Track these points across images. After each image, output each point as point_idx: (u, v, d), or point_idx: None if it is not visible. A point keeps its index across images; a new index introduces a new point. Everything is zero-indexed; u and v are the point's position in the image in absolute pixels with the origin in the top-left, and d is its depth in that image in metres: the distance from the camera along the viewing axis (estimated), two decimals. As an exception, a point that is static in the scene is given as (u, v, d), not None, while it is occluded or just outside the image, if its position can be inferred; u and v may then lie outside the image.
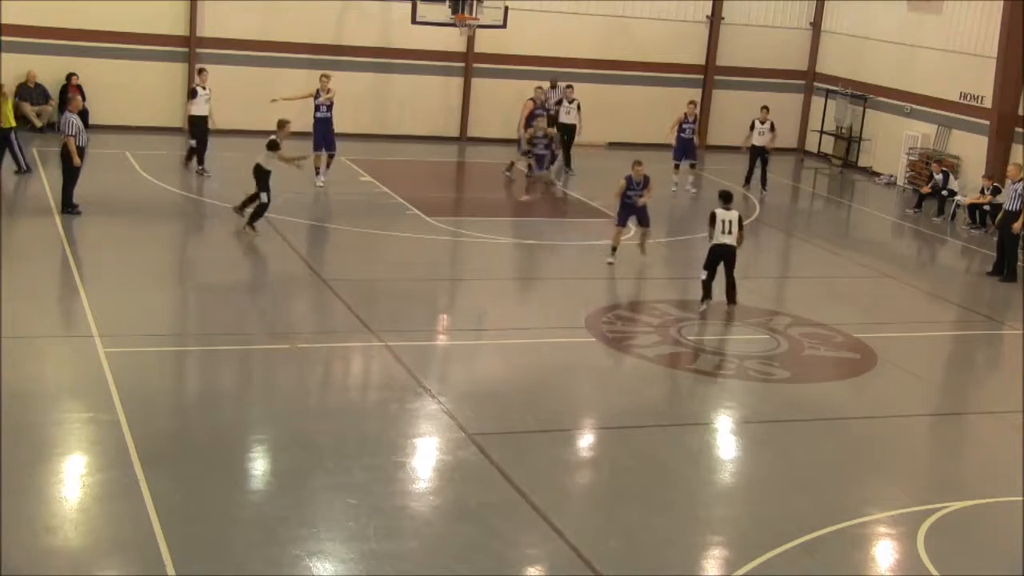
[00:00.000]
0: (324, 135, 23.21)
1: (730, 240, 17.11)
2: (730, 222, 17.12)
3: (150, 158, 24.26)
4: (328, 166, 23.20)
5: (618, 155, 27.45)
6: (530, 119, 25.47)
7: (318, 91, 23.30)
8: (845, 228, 25.63)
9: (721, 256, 17.16)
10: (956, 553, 10.56)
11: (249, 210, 19.39)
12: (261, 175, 19.27)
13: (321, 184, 23.06)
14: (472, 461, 11.60)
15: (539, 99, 25.93)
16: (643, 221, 19.63)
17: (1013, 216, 20.82)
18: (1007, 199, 21.36)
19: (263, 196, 19.07)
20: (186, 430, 11.97)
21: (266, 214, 19.45)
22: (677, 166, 26.10)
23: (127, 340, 14.08)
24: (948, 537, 10.80)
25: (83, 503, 10.21)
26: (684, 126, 25.92)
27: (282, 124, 19.76)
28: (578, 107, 26.60)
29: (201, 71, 24.15)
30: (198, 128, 23.57)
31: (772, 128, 26.36)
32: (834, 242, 22.99)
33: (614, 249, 19.35)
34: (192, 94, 23.72)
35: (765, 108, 26.75)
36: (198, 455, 11.26)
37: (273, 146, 19.06)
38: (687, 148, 26.05)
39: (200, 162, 23.69)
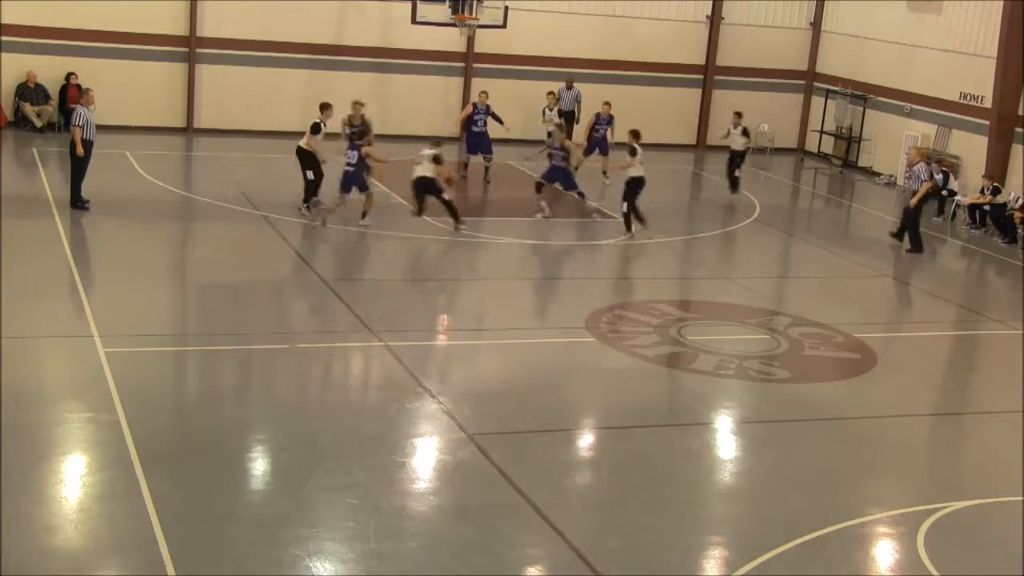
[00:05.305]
0: None
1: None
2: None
3: (150, 158, 24.24)
4: None
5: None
6: (468, 121, 25.23)
7: None
8: (845, 228, 25.61)
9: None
10: (956, 553, 10.55)
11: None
12: (303, 157, 19.91)
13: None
14: (472, 461, 11.59)
15: (482, 102, 25.30)
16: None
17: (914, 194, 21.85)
18: (913, 180, 22.24)
19: (308, 174, 19.35)
20: (186, 430, 11.98)
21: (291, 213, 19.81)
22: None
23: (127, 340, 14.07)
24: (948, 537, 10.79)
25: (83, 503, 10.20)
26: (597, 126, 25.71)
27: (324, 107, 19.91)
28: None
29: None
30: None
31: None
32: (834, 242, 22.98)
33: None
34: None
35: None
36: (198, 455, 11.26)
37: (316, 129, 19.26)
38: (600, 145, 25.79)
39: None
